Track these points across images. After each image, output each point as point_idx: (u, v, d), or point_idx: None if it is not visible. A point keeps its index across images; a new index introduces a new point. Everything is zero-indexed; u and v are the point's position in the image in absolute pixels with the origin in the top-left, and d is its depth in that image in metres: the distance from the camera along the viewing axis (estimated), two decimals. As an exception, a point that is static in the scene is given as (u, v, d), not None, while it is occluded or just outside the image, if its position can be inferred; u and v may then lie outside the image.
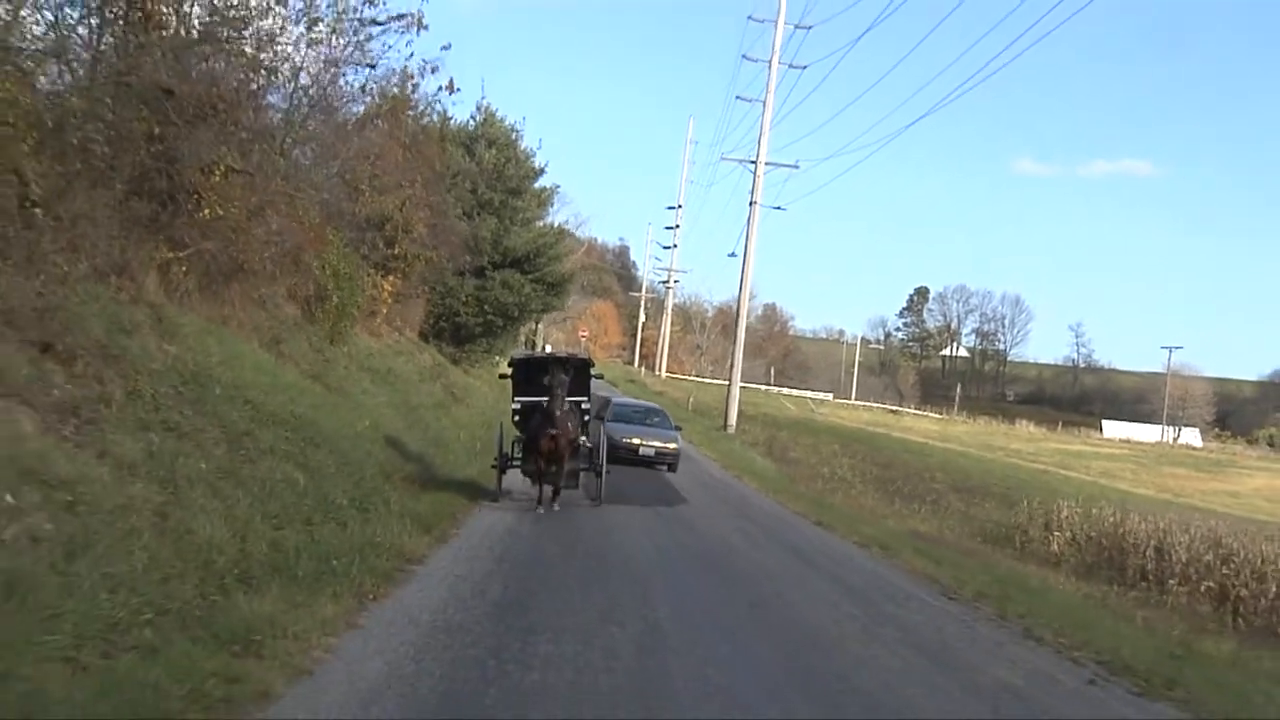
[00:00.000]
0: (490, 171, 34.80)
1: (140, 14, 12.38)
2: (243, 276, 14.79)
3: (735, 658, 6.42)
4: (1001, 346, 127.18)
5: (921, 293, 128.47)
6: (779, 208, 33.66)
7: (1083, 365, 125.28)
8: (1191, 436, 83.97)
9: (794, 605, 8.50)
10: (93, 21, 12.58)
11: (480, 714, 4.68)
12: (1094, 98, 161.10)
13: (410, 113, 24.72)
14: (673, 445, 21.26)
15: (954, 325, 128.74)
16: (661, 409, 25.17)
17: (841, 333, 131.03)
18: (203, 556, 6.61)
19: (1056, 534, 25.73)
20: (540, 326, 56.05)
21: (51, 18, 12.07)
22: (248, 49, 14.72)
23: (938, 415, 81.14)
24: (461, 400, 26.38)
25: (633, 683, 5.55)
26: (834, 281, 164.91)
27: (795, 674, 6.20)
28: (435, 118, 28.87)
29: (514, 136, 36.22)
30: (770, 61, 33.04)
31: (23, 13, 11.28)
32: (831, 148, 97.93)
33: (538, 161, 36.93)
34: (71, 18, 12.20)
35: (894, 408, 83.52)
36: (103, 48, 12.75)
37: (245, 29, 14.30)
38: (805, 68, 33.29)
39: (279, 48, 16.03)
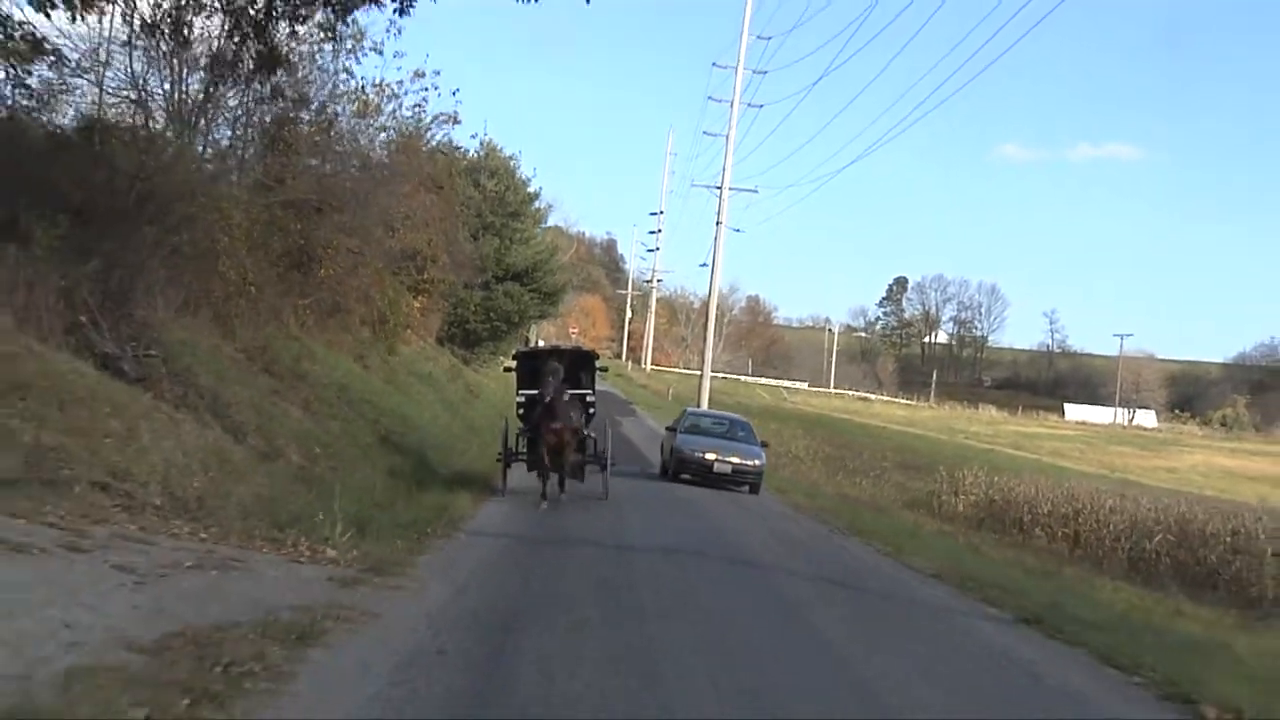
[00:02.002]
0: (493, 198, 41.58)
1: (283, 143, 19.11)
2: (339, 313, 21.60)
3: (662, 528, 13.20)
4: (978, 334, 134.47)
5: (901, 283, 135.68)
6: (738, 230, 40.35)
7: (1057, 350, 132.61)
8: (1147, 418, 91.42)
9: (705, 510, 15.34)
10: (242, 145, 19.34)
11: (544, 529, 11.48)
12: (1077, 82, 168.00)
13: (424, 149, 31.35)
14: (754, 462, 19.43)
15: (932, 313, 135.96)
16: (746, 421, 22.93)
17: (828, 321, 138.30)
18: (393, 478, 13.38)
19: (960, 496, 32.75)
20: (535, 325, 62.71)
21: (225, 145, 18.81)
22: (339, 149, 21.51)
23: (907, 401, 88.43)
24: (478, 396, 33.21)
25: (611, 527, 12.39)
26: (817, 272, 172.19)
27: (694, 531, 13.02)
28: (441, 150, 35.48)
29: (512, 165, 43.07)
30: (732, 103, 39.91)
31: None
32: (804, 161, 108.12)
33: (533, 187, 43.86)
34: (234, 148, 18.95)
35: (865, 395, 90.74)
36: (246, 157, 19.56)
37: (343, 141, 21.07)
38: (762, 107, 40.12)
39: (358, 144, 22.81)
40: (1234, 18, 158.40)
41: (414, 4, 10.46)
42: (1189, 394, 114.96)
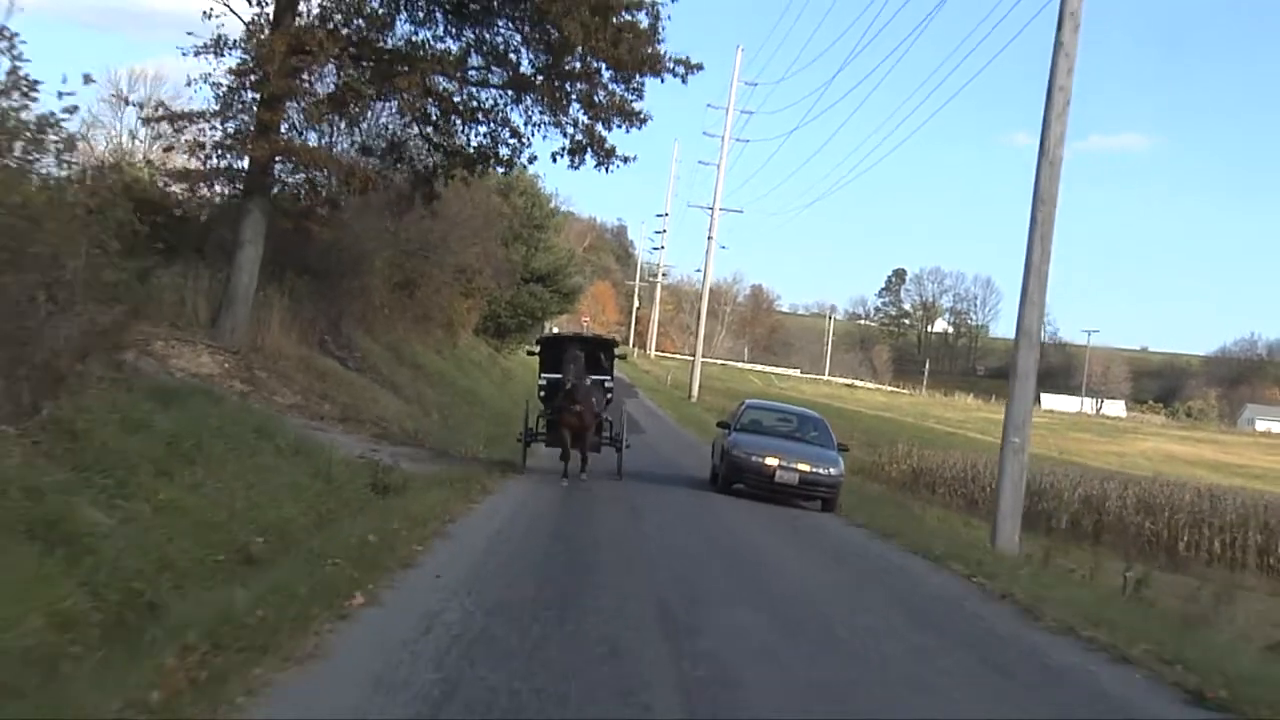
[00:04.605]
0: (521, 213, 51.23)
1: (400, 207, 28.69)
2: (425, 320, 31.33)
3: (651, 465, 22.85)
4: (973, 324, 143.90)
5: (899, 274, 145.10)
6: (724, 247, 50.07)
7: (1049, 342, 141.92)
8: (1117, 408, 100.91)
9: (677, 460, 25.03)
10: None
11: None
12: (1090, 72, 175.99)
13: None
14: (829, 471, 16.33)
15: (930, 303, 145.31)
16: (821, 419, 19.28)
17: (832, 308, 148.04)
18: (486, 434, 23.11)
19: (894, 465, 42.48)
20: (552, 318, 72.40)
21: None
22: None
23: (891, 389, 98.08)
24: (511, 378, 43.01)
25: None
26: (821, 260, 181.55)
27: (658, 462, 22.73)
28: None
29: (538, 184, 52.77)
30: (722, 138, 49.48)
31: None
32: (802, 177, 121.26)
33: (554, 202, 53.65)
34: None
35: (852, 382, 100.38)
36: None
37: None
38: (748, 142, 49.84)
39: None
40: (1233, 16, 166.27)
41: (515, 165, 19.98)
42: (1173, 386, 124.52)
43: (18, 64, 7.69)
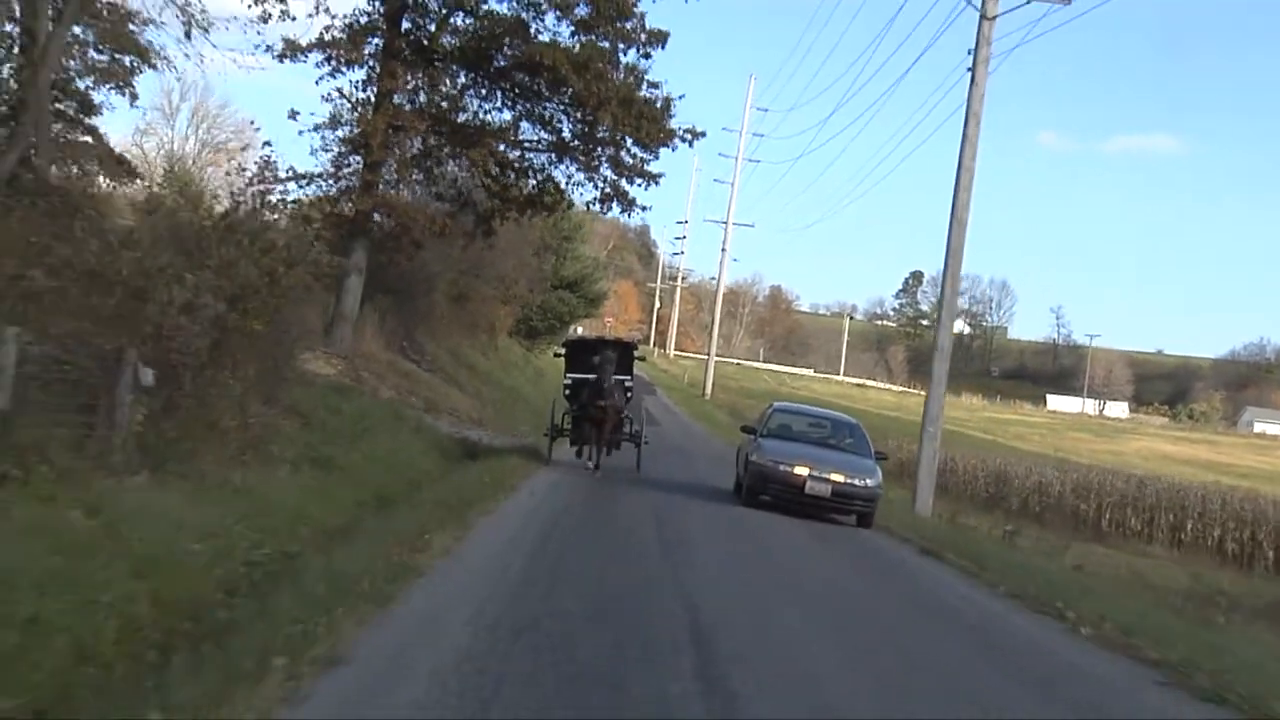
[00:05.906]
0: (550, 225, 56.93)
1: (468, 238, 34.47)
2: (473, 326, 37.13)
3: (662, 450, 28.51)
4: (988, 326, 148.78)
5: (917, 276, 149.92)
6: (735, 260, 55.59)
7: (1064, 344, 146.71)
8: (1120, 409, 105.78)
9: (684, 446, 30.67)
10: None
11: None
12: (1112, 72, 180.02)
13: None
14: (865, 482, 15.02)
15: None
16: (857, 423, 18.14)
17: (852, 308, 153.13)
18: (530, 423, 28.85)
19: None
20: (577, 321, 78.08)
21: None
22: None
23: (901, 389, 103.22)
24: (543, 377, 48.72)
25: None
26: (842, 262, 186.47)
27: (678, 455, 28.41)
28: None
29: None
30: (736, 157, 55.05)
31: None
32: (820, 188, 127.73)
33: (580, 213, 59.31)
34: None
35: (863, 381, 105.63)
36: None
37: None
38: (759, 162, 55.39)
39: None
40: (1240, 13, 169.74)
41: (556, 211, 25.66)
42: (1183, 388, 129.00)
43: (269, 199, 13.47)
